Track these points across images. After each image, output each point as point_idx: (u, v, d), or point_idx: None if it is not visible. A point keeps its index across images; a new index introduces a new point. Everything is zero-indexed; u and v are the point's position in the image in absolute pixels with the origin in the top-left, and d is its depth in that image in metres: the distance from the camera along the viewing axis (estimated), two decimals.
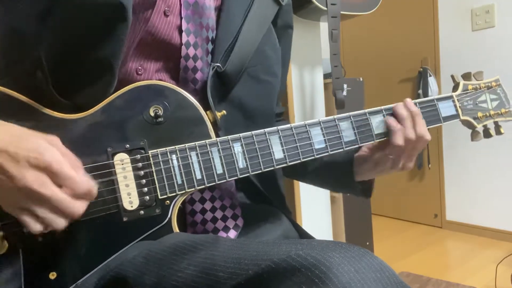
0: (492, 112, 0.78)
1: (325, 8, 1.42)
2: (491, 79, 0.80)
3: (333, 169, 0.80)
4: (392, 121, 0.70)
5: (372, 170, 0.75)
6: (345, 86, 1.86)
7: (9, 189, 0.48)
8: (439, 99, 0.75)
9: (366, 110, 0.70)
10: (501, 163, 2.62)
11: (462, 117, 0.77)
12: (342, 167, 0.78)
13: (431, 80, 2.84)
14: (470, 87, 0.78)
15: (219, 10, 0.71)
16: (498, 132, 0.79)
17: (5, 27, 0.59)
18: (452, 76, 0.79)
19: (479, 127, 0.78)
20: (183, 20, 0.65)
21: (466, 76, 0.79)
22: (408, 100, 0.72)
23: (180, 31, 0.65)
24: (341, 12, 1.46)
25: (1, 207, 0.50)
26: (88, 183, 0.51)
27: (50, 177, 0.48)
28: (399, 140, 0.69)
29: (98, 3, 0.55)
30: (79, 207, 0.50)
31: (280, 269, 0.44)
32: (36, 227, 0.49)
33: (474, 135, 0.79)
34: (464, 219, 2.86)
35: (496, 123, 0.79)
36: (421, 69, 2.91)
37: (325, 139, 0.67)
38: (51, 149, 0.49)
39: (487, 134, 0.79)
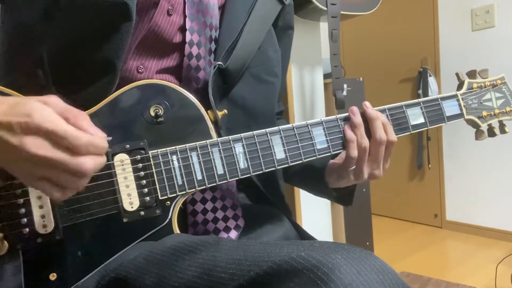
0: (497, 111, 0.77)
1: (325, 8, 1.41)
2: (496, 77, 0.79)
3: (309, 174, 0.78)
4: (346, 130, 0.67)
5: (338, 182, 0.73)
6: (345, 86, 1.85)
7: (17, 160, 0.46)
8: (443, 98, 0.74)
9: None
10: (501, 163, 2.62)
11: (466, 117, 0.76)
12: (316, 174, 0.76)
13: (431, 80, 2.84)
14: (475, 85, 0.77)
15: (222, 8, 0.70)
16: (503, 131, 0.78)
17: (10, 24, 0.58)
18: (457, 74, 0.78)
19: (484, 126, 0.77)
20: (187, 18, 0.65)
21: (471, 74, 0.78)
22: (366, 103, 0.68)
23: (183, 30, 0.65)
24: (341, 12, 1.45)
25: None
26: (86, 136, 0.47)
27: (46, 139, 0.45)
28: (352, 151, 0.66)
29: (102, 2, 0.55)
30: (84, 162, 0.47)
31: (282, 270, 0.43)
32: (56, 193, 0.47)
33: (478, 134, 0.78)
34: (464, 219, 2.86)
35: (500, 121, 0.78)
36: (421, 69, 2.90)
37: (327, 139, 0.67)
38: (42, 109, 0.46)
39: (491, 133, 0.78)
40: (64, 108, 0.48)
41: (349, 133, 0.67)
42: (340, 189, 0.76)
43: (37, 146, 0.45)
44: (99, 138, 0.48)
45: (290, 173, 0.82)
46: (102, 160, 0.49)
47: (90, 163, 0.47)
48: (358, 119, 0.67)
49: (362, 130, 0.67)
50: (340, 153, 0.71)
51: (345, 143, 0.67)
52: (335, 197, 0.78)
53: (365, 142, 0.66)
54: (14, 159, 0.46)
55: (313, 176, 0.77)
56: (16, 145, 0.45)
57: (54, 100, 0.48)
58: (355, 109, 0.68)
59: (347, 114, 0.68)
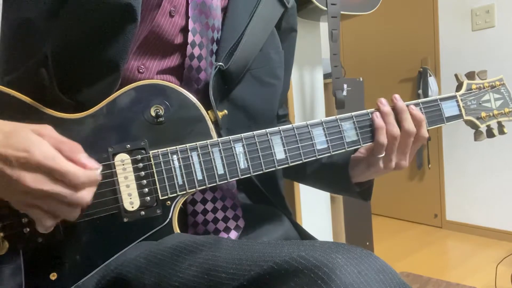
0: (495, 112, 0.77)
1: (325, 8, 1.41)
2: (495, 78, 0.79)
3: (330, 171, 0.79)
4: (375, 118, 0.69)
5: (366, 172, 0.73)
6: (345, 86, 1.85)
7: (12, 190, 0.47)
8: (442, 99, 0.74)
9: (369, 110, 0.70)
10: (501, 163, 2.62)
11: (465, 117, 0.76)
12: (339, 169, 0.77)
13: (431, 80, 2.84)
14: (473, 86, 0.77)
15: (225, 10, 0.71)
16: (502, 132, 0.78)
17: (14, 21, 0.59)
18: (456, 75, 0.78)
19: (483, 127, 0.77)
20: (190, 19, 0.65)
21: (470, 75, 0.78)
22: (396, 96, 0.70)
23: (185, 32, 0.65)
24: (341, 12, 1.45)
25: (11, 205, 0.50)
26: (85, 173, 0.49)
27: (45, 174, 0.47)
28: (381, 137, 0.68)
29: (107, 3, 0.55)
30: (83, 196, 0.49)
31: (282, 270, 0.44)
32: (48, 222, 0.49)
33: (477, 135, 0.78)
34: (464, 219, 2.86)
35: (499, 122, 0.78)
36: (421, 69, 2.91)
37: (327, 140, 0.67)
38: (40, 144, 0.47)
39: (490, 134, 0.78)
40: (59, 140, 0.50)
41: (378, 121, 0.68)
42: (361, 183, 0.77)
43: (36, 180, 0.46)
44: (94, 172, 0.51)
45: (308, 173, 0.82)
46: (95, 189, 0.52)
47: (88, 196, 0.50)
48: (387, 108, 0.69)
49: (391, 118, 0.68)
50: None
51: (374, 131, 0.69)
52: (358, 192, 0.78)
53: (395, 130, 0.68)
54: (10, 189, 0.47)
55: (336, 172, 0.78)
56: (14, 178, 0.46)
57: (49, 131, 0.50)
58: (383, 100, 0.70)
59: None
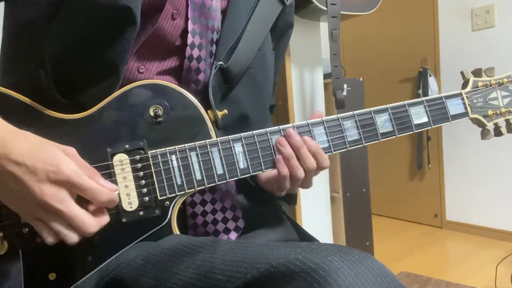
0: (503, 110, 0.75)
1: (325, 8, 1.41)
2: (503, 75, 0.76)
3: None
4: (277, 162, 0.62)
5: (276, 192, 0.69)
6: (345, 86, 1.85)
7: (27, 201, 0.48)
8: (447, 97, 0.72)
9: (371, 109, 0.68)
10: (501, 163, 2.62)
11: (471, 115, 0.73)
12: (254, 186, 0.75)
13: (431, 80, 2.84)
14: (480, 84, 0.75)
15: (224, 12, 0.70)
16: (510, 130, 0.76)
17: (16, 24, 0.59)
18: (462, 73, 0.76)
19: (490, 125, 0.75)
20: (189, 21, 0.65)
21: (477, 73, 0.76)
22: (289, 131, 0.62)
23: (186, 33, 0.65)
24: (341, 12, 1.45)
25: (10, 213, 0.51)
26: (108, 193, 0.52)
27: (69, 190, 0.49)
28: (285, 183, 0.63)
29: (106, 6, 0.55)
30: (93, 225, 0.51)
31: (279, 273, 0.43)
32: (49, 238, 0.50)
33: (484, 134, 0.75)
34: (464, 219, 2.85)
35: (507, 121, 0.76)
36: (421, 69, 2.90)
37: (328, 139, 0.66)
38: (68, 161, 0.50)
39: (498, 132, 0.76)
40: (81, 162, 0.52)
41: (281, 167, 0.62)
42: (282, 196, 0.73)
43: (57, 197, 0.48)
44: (114, 193, 0.54)
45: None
46: (107, 220, 0.54)
47: (96, 227, 0.52)
48: (288, 150, 0.62)
49: (294, 161, 0.62)
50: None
51: (277, 176, 0.63)
52: (280, 198, 0.76)
53: (300, 173, 0.62)
54: (24, 200, 0.48)
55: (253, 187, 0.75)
56: (35, 190, 0.47)
57: (74, 152, 0.52)
58: (283, 141, 0.63)
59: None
